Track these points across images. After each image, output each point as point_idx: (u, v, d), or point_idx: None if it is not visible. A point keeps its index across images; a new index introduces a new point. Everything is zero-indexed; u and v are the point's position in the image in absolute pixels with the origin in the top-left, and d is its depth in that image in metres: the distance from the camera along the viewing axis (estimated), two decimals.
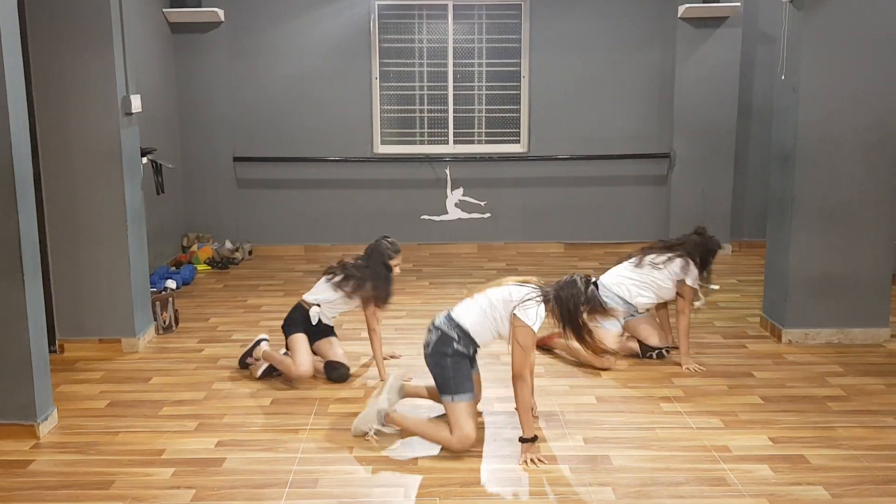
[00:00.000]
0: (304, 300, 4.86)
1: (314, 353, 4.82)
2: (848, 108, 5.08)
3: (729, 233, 8.21)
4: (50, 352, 5.04)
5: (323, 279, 4.85)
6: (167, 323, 5.66)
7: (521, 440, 3.77)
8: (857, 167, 5.16)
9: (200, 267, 7.53)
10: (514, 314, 3.73)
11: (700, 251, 4.93)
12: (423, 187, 8.18)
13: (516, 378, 3.73)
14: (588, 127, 8.20)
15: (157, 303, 5.60)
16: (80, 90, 4.93)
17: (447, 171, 8.10)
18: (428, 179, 8.13)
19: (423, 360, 3.96)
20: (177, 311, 5.80)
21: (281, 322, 4.91)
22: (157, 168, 5.97)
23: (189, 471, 3.67)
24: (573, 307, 3.71)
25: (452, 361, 3.81)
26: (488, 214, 8.06)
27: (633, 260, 5.06)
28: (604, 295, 4.35)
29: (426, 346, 3.90)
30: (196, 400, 4.49)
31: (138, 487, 3.51)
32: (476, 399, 3.98)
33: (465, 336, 3.84)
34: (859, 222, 5.22)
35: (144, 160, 5.51)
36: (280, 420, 4.22)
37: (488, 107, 8.27)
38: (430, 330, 3.92)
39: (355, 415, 4.26)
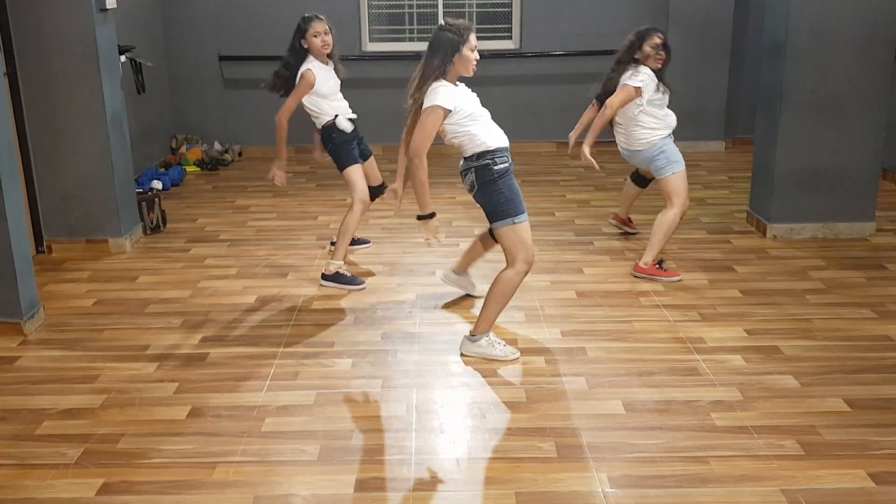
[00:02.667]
0: (324, 124, 4.67)
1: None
2: None
3: (723, 129, 8.13)
4: (38, 252, 5.11)
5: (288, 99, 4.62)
6: (154, 223, 5.68)
7: (419, 218, 3.66)
8: (849, 59, 5.05)
9: (190, 168, 7.50)
10: (425, 105, 3.54)
11: (636, 48, 4.63)
12: None
13: (414, 157, 3.54)
14: (582, 21, 8.00)
15: (144, 203, 5.60)
16: None
17: None
18: None
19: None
20: (164, 211, 5.80)
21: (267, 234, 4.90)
22: (136, 66, 5.88)
23: (172, 365, 3.74)
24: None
25: (503, 183, 3.61)
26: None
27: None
28: None
29: (471, 188, 3.67)
30: (182, 298, 4.54)
31: (122, 381, 3.59)
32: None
33: (491, 151, 3.60)
34: (849, 116, 5.15)
35: (123, 58, 5.41)
36: (264, 316, 4.28)
37: (479, 2, 8.06)
38: (463, 175, 3.70)
39: (338, 310, 4.33)
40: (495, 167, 3.60)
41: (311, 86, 4.53)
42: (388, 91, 8.03)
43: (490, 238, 4.06)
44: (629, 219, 5.49)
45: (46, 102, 5.01)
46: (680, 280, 4.63)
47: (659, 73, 4.65)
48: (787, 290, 4.51)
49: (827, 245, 5.21)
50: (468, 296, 4.46)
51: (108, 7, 4.97)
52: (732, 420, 3.20)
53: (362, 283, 4.66)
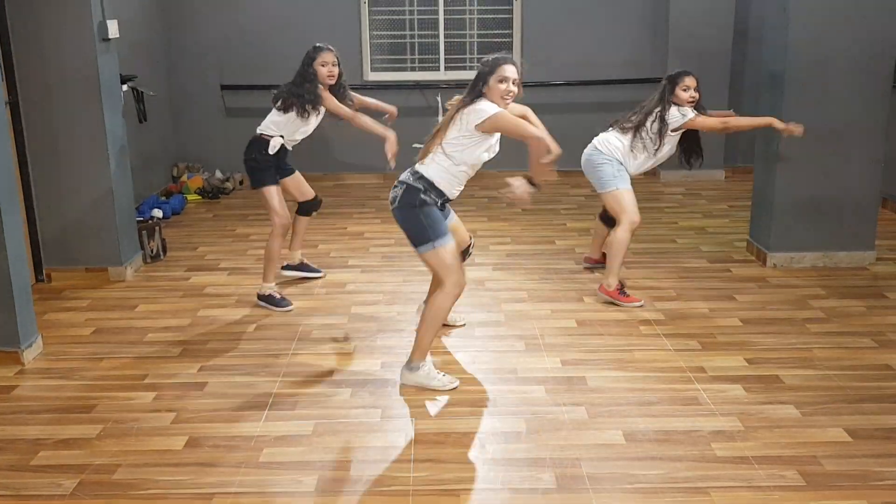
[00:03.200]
0: (262, 134, 4.74)
1: (283, 187, 4.87)
2: (838, 28, 4.97)
3: (722, 159, 8.15)
4: (37, 281, 5.11)
5: (273, 110, 4.75)
6: (154, 252, 5.68)
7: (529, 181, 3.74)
8: (847, 89, 5.08)
9: (191, 197, 7.52)
10: (473, 123, 3.61)
11: (668, 92, 4.78)
12: (414, 115, 8.07)
13: (533, 142, 3.63)
14: (582, 52, 8.06)
15: (144, 231, 5.61)
16: (54, 15, 4.85)
17: (438, 99, 8.00)
18: (419, 107, 8.03)
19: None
20: (164, 239, 5.81)
21: None
22: (138, 95, 5.92)
23: (171, 395, 3.72)
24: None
25: (422, 211, 3.64)
26: None
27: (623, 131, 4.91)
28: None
29: (392, 201, 3.71)
30: (181, 327, 4.53)
31: (120, 411, 3.57)
32: (463, 242, 4.00)
33: (431, 187, 3.68)
34: (848, 145, 5.17)
35: (125, 87, 5.45)
36: (262, 345, 4.26)
37: (480, 32, 8.13)
38: (394, 186, 3.74)
39: (336, 340, 4.32)
40: (422, 196, 3.65)
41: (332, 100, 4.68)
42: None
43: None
44: (604, 255, 5.19)
45: (48, 131, 5.03)
46: (641, 305, 4.67)
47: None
48: (788, 318, 4.49)
49: (827, 274, 5.20)
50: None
51: (110, 37, 5.02)
52: (733, 450, 3.17)
53: (290, 304, 4.75)
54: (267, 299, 4.76)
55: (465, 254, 4.05)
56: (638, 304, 4.67)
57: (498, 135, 3.78)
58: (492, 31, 8.12)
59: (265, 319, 4.61)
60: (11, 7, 4.82)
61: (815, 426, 3.34)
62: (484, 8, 8.07)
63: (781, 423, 3.37)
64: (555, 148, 3.64)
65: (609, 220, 5.12)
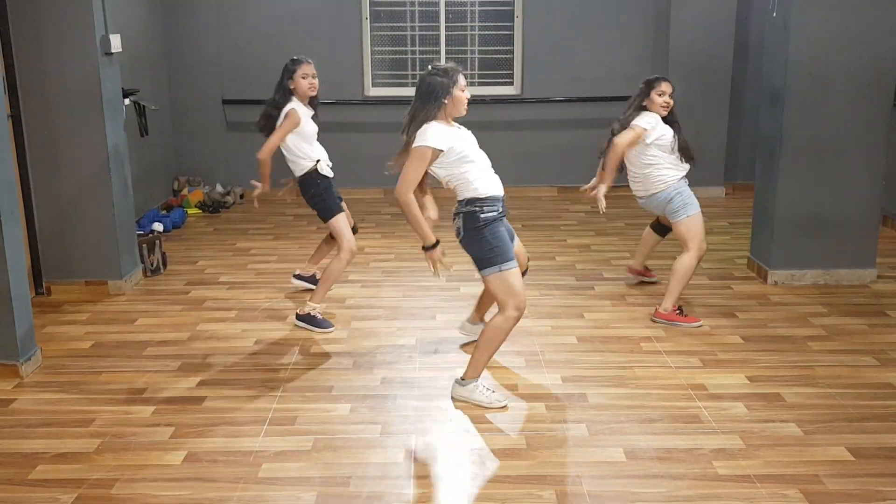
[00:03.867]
0: (305, 173, 4.68)
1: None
2: (838, 45, 4.99)
3: (723, 175, 8.16)
4: (37, 294, 5.10)
5: (288, 145, 4.66)
6: (154, 265, 5.67)
7: (424, 249, 3.64)
8: (847, 106, 5.08)
9: (191, 210, 7.52)
10: (415, 144, 3.59)
11: (644, 95, 4.72)
12: None
13: (399, 199, 3.58)
14: (582, 68, 8.08)
15: (144, 245, 5.61)
16: (57, 29, 4.86)
17: None
18: None
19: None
20: (164, 253, 5.80)
21: (270, 262, 4.91)
22: (140, 109, 5.93)
23: (169, 409, 3.70)
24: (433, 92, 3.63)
25: (489, 232, 3.59)
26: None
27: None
28: None
29: (458, 234, 3.67)
30: (180, 341, 4.52)
31: (118, 425, 3.55)
32: (523, 265, 3.91)
33: (482, 199, 3.61)
34: (848, 162, 5.17)
35: (127, 101, 5.46)
36: (262, 360, 4.25)
37: (481, 48, 8.15)
38: (453, 219, 3.69)
39: (338, 354, 4.30)
40: (482, 215, 3.60)
41: (297, 124, 4.58)
42: (390, 135, 8.01)
43: None
44: (646, 268, 5.40)
45: (49, 144, 5.03)
46: (700, 325, 4.61)
47: (672, 126, 4.75)
48: (789, 336, 4.48)
49: (828, 291, 5.19)
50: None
51: (113, 51, 5.03)
52: (735, 469, 3.16)
53: (331, 326, 4.65)
54: (307, 319, 4.65)
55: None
56: (697, 324, 4.62)
57: (472, 140, 3.72)
58: (493, 48, 8.15)
59: (265, 334, 4.59)
60: (15, 20, 4.83)
61: (817, 445, 3.33)
62: (485, 24, 8.10)
63: (783, 441, 3.36)
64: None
65: (661, 230, 5.17)
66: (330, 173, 4.73)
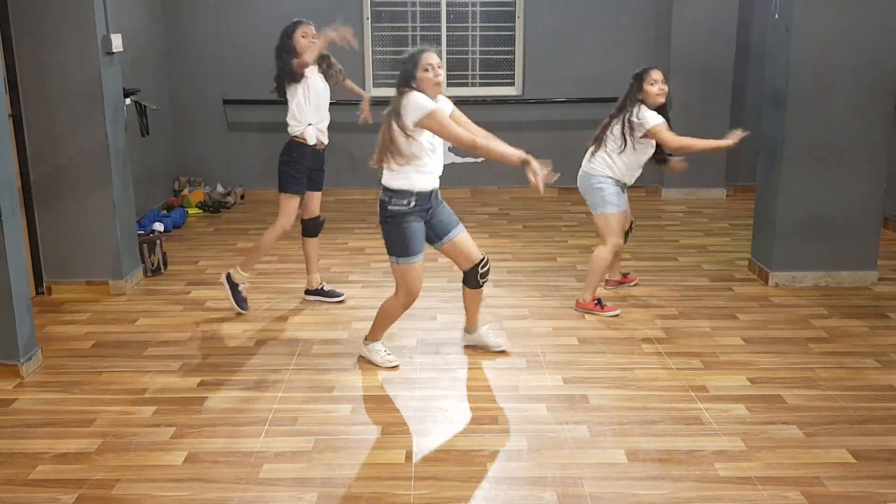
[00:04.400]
0: (293, 137, 4.76)
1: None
2: (840, 47, 4.99)
3: (724, 177, 8.16)
4: (38, 294, 5.10)
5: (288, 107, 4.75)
6: (155, 265, 5.67)
7: (523, 163, 3.87)
8: (849, 108, 5.08)
9: (192, 210, 7.51)
10: (409, 123, 3.72)
11: (636, 90, 4.72)
12: None
13: (470, 148, 3.80)
14: (583, 69, 8.08)
15: (145, 245, 5.60)
16: (58, 29, 4.86)
17: None
18: None
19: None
20: (165, 253, 5.80)
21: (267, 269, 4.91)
22: (141, 109, 5.93)
23: (170, 409, 3.70)
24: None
25: (392, 225, 3.82)
26: (481, 159, 7.97)
27: (592, 148, 4.92)
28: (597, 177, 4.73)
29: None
30: (181, 341, 4.51)
31: (119, 425, 3.55)
32: (468, 262, 4.06)
33: (391, 190, 3.81)
34: (850, 164, 5.17)
35: (128, 101, 5.46)
36: (263, 360, 4.24)
37: (482, 48, 8.15)
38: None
39: (339, 355, 4.30)
40: (389, 207, 3.81)
41: (304, 67, 4.58)
42: None
43: (466, 285, 4.19)
44: (624, 275, 5.40)
45: (50, 144, 5.03)
46: (617, 315, 4.78)
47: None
48: (790, 338, 4.48)
49: (829, 293, 5.19)
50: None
51: (114, 50, 5.02)
52: (736, 470, 3.15)
53: (246, 308, 4.86)
54: (232, 286, 4.82)
55: (475, 275, 4.11)
56: (614, 312, 4.78)
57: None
58: (494, 48, 8.14)
59: (265, 334, 4.59)
60: (16, 20, 4.83)
61: (818, 447, 3.32)
62: (486, 25, 8.10)
63: (784, 443, 3.35)
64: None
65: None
66: (312, 139, 4.74)
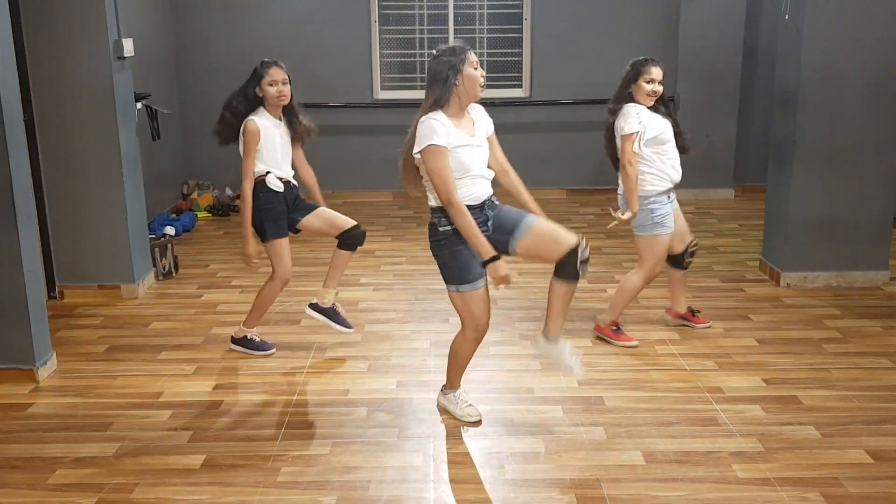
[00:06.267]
0: (257, 178, 4.09)
1: (309, 229, 4.29)
2: (851, 48, 4.99)
3: (732, 178, 8.16)
4: (50, 298, 5.11)
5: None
6: (167, 269, 5.68)
7: (483, 264, 3.24)
8: (860, 109, 5.08)
9: (201, 214, 7.53)
10: (414, 154, 3.24)
11: (630, 79, 4.27)
12: None
13: (447, 206, 3.19)
14: (591, 71, 8.07)
15: (156, 249, 5.61)
16: (70, 34, 4.88)
17: None
18: None
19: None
20: (176, 257, 5.81)
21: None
22: (152, 113, 5.94)
23: (186, 413, 3.71)
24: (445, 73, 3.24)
25: (447, 248, 3.29)
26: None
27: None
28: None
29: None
30: (194, 344, 4.52)
31: (136, 429, 3.55)
32: (556, 242, 3.36)
33: (439, 211, 3.29)
34: (861, 165, 5.17)
35: (139, 105, 5.47)
36: (278, 363, 4.25)
37: (490, 50, 8.16)
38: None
39: (353, 357, 4.30)
40: (440, 228, 3.30)
41: (257, 136, 4.01)
42: (398, 138, 8.06)
43: (562, 276, 3.52)
44: (692, 312, 4.66)
45: (62, 149, 5.05)
46: (636, 346, 4.36)
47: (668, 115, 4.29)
48: (804, 339, 4.47)
49: (841, 294, 5.18)
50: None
51: (125, 55, 5.04)
52: (754, 472, 3.15)
53: (272, 347, 4.38)
54: (243, 342, 4.38)
55: (574, 261, 3.44)
56: (631, 343, 4.37)
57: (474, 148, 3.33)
58: (501, 51, 8.15)
59: (279, 338, 4.59)
60: (28, 25, 4.85)
61: (835, 447, 3.32)
62: (494, 27, 8.11)
63: (802, 444, 3.35)
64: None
65: (674, 260, 4.51)
66: (278, 185, 4.11)
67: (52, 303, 5.14)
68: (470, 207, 3.25)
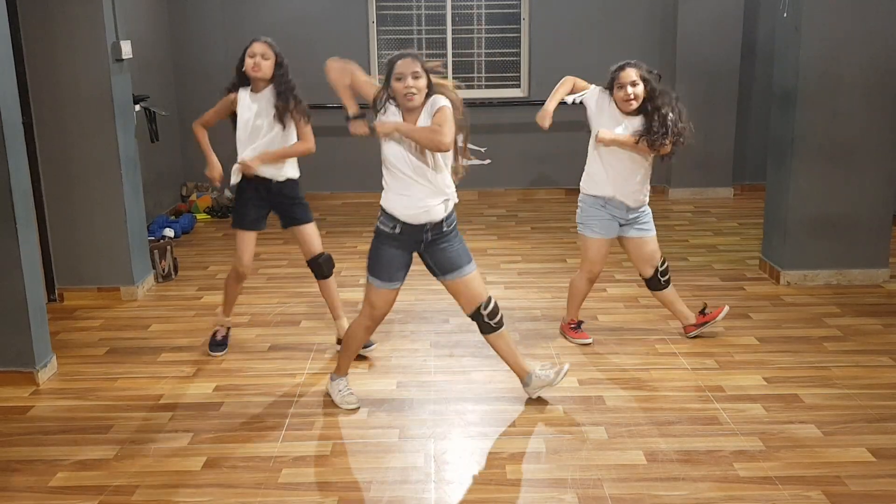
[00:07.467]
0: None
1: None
2: (850, 45, 4.99)
3: (731, 176, 8.15)
4: (49, 300, 5.10)
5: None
6: (166, 271, 5.68)
7: (347, 118, 3.60)
8: (859, 106, 5.08)
9: (200, 216, 7.52)
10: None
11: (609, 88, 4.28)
12: None
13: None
14: (589, 70, 8.01)
15: (156, 251, 5.61)
16: (69, 36, 4.87)
17: None
18: None
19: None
20: (176, 259, 5.80)
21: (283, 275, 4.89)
22: (150, 115, 5.93)
23: (186, 415, 3.70)
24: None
25: (377, 243, 3.55)
26: (488, 161, 7.97)
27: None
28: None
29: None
30: (194, 346, 4.51)
31: (136, 431, 3.55)
32: (471, 303, 3.56)
33: (383, 212, 3.51)
34: (860, 162, 5.17)
35: (137, 108, 5.47)
36: (278, 365, 4.25)
37: (488, 50, 8.16)
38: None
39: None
40: (380, 225, 3.53)
41: (228, 104, 4.19)
42: None
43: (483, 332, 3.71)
44: (702, 312, 4.47)
45: (61, 151, 5.04)
46: (590, 343, 4.40)
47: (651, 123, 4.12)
48: (804, 337, 4.47)
49: (841, 292, 5.18)
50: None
51: (124, 57, 5.03)
52: (756, 470, 3.15)
53: (222, 351, 4.38)
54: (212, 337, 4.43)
55: (476, 317, 3.61)
56: (585, 341, 4.40)
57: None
58: (499, 50, 8.15)
59: (279, 339, 4.59)
60: (26, 27, 4.84)
61: (837, 446, 3.32)
62: (491, 27, 8.10)
63: (803, 442, 3.35)
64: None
65: (649, 283, 4.44)
66: (234, 180, 4.23)
67: (51, 305, 5.13)
68: (405, 225, 3.47)
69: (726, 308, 4.45)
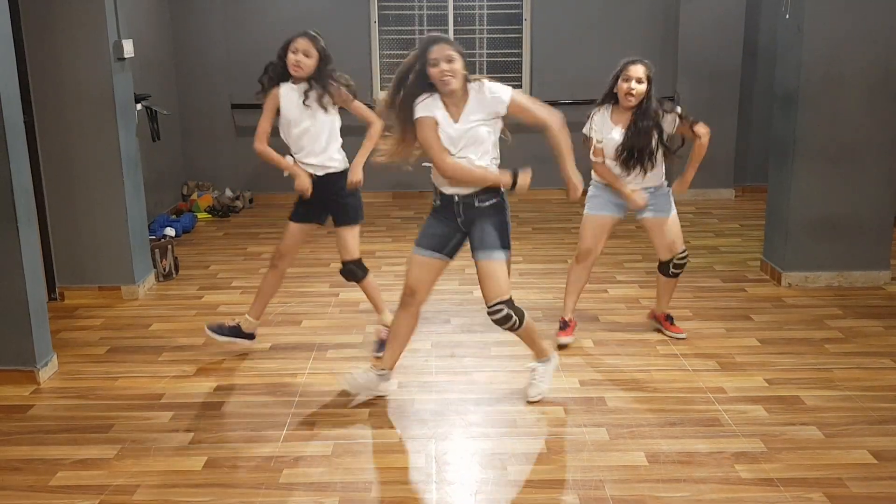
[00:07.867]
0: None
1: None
2: (852, 46, 4.99)
3: (732, 177, 8.15)
4: (50, 299, 5.09)
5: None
6: (167, 270, 5.67)
7: (511, 189, 3.71)
8: (861, 108, 5.08)
9: (201, 215, 7.52)
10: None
11: (614, 82, 4.32)
12: None
13: (445, 174, 3.53)
14: (591, 71, 8.03)
15: (157, 250, 5.61)
16: (70, 35, 4.86)
17: None
18: None
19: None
20: (177, 258, 5.80)
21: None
22: (152, 115, 5.93)
23: (187, 414, 3.70)
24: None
25: (430, 217, 3.71)
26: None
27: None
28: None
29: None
30: (195, 345, 4.51)
31: (137, 430, 3.54)
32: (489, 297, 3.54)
33: (434, 188, 3.66)
34: (861, 164, 5.16)
35: (139, 107, 5.46)
36: (279, 364, 4.24)
37: (489, 51, 8.16)
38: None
39: (354, 358, 4.29)
40: (434, 201, 3.69)
41: (275, 102, 4.04)
42: None
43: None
44: (665, 316, 4.58)
45: (62, 150, 5.04)
46: (568, 342, 4.38)
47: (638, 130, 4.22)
48: (806, 339, 4.47)
49: (842, 294, 5.18)
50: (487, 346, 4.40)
51: (125, 56, 5.03)
52: (757, 472, 3.14)
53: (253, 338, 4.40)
54: (229, 331, 4.36)
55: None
56: (566, 339, 4.38)
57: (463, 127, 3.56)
58: (501, 51, 8.15)
59: (280, 338, 4.59)
60: (28, 26, 4.84)
61: (838, 448, 3.31)
62: (494, 27, 8.10)
63: (805, 444, 3.34)
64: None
65: (660, 266, 4.47)
66: (284, 174, 4.21)
67: (52, 304, 5.12)
68: (442, 195, 3.61)
69: (684, 335, 4.49)
